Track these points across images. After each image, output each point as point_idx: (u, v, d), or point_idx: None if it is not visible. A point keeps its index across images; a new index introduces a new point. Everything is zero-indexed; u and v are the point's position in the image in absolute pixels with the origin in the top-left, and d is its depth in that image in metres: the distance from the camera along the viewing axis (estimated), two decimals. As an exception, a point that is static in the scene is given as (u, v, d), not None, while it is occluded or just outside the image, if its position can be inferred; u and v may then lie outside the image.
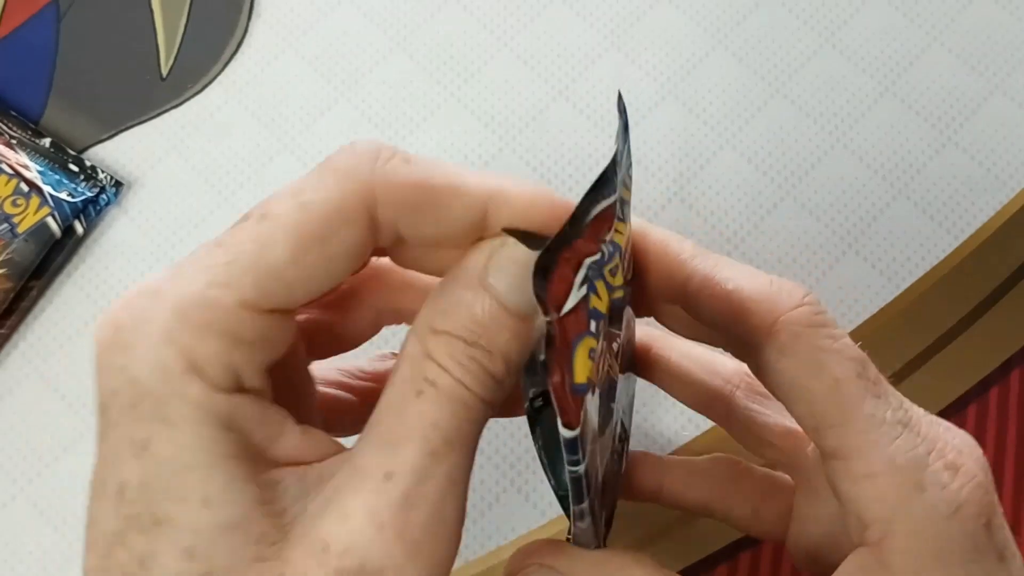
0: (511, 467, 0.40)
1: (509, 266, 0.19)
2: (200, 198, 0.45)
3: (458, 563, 0.39)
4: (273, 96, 0.47)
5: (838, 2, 0.47)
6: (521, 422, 0.41)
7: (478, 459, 0.41)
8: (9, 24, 0.48)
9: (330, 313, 0.24)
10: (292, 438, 0.19)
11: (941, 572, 0.19)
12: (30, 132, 0.45)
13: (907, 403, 0.21)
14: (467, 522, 0.40)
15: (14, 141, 0.45)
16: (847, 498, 0.20)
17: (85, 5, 0.48)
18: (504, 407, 0.21)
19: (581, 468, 0.20)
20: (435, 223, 0.19)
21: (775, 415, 0.27)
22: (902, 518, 0.19)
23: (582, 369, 0.19)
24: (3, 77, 0.47)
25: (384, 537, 0.17)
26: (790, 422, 0.27)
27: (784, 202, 0.44)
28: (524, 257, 0.19)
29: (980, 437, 0.40)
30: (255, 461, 0.18)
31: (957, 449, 0.20)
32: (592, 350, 0.19)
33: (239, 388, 0.18)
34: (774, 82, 0.46)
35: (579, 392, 0.19)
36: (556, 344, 0.18)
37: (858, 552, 0.20)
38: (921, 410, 0.22)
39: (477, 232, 0.20)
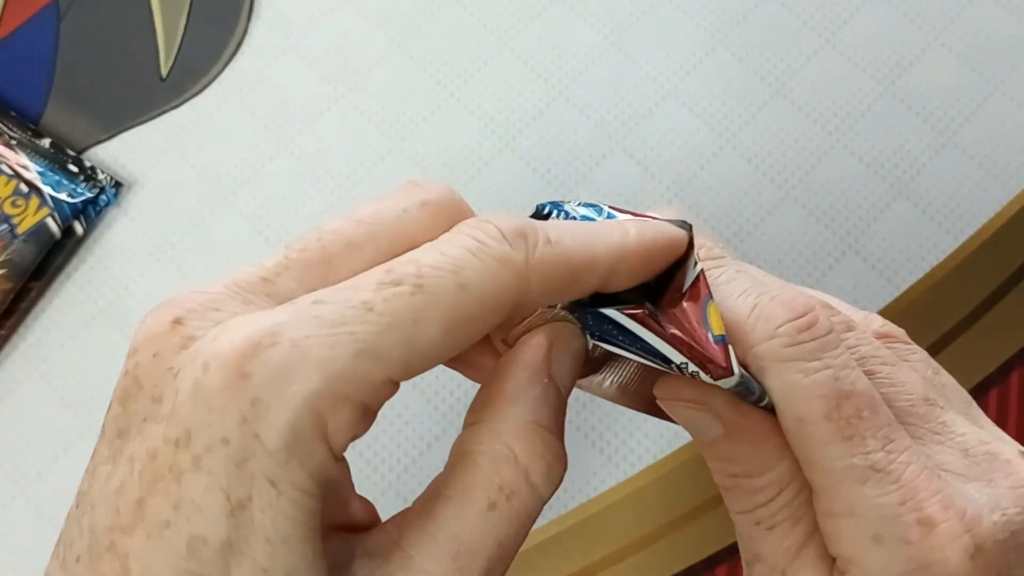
0: (511, 467, 0.40)
1: (567, 356, 0.21)
2: (200, 198, 0.45)
3: (458, 564, 0.39)
4: (273, 96, 0.47)
5: (838, 2, 0.47)
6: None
7: (478, 460, 0.41)
8: (9, 25, 0.48)
9: None
10: (355, 503, 0.20)
11: None
12: (30, 132, 0.45)
13: (901, 445, 0.20)
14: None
15: (14, 141, 0.45)
16: (823, 529, 0.20)
17: (85, 6, 0.48)
18: None
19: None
20: (567, 296, 0.20)
21: None
22: (857, 567, 0.19)
23: (717, 323, 0.19)
24: (3, 77, 0.47)
25: None
26: None
27: (784, 203, 0.44)
28: (578, 353, 0.21)
29: (980, 437, 0.40)
30: (328, 524, 0.18)
31: (948, 503, 0.19)
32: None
33: (343, 457, 0.18)
34: (774, 82, 0.46)
35: (721, 341, 0.19)
36: (686, 306, 0.19)
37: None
38: (952, 420, 0.21)
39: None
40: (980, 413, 0.23)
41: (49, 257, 0.43)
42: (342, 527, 0.19)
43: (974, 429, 0.21)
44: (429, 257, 0.18)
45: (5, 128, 0.45)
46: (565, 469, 0.20)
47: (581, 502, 0.40)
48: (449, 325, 0.18)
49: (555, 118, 0.46)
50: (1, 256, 0.43)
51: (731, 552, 0.39)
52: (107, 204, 0.44)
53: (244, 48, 0.48)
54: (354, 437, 0.18)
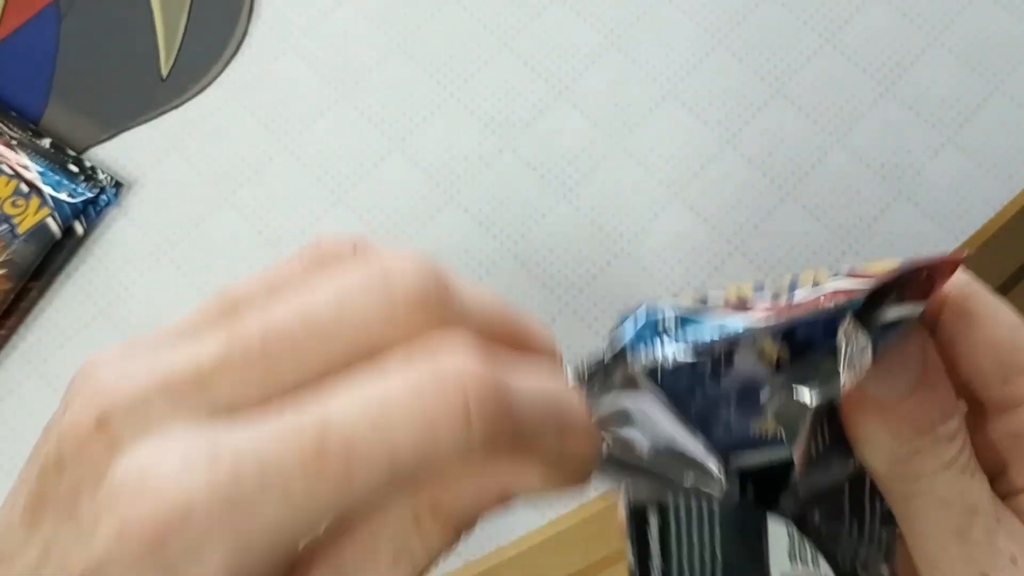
0: (511, 467, 0.40)
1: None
2: (200, 198, 0.45)
3: (457, 564, 0.39)
4: (273, 97, 0.47)
5: (838, 2, 0.47)
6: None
7: (478, 459, 0.41)
8: (9, 25, 0.48)
9: None
10: None
11: None
12: (30, 133, 0.45)
13: None
14: (467, 522, 0.40)
15: (14, 142, 0.45)
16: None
17: (85, 6, 0.48)
18: None
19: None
20: None
21: None
22: (939, 564, 0.19)
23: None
24: (3, 78, 0.47)
25: None
26: None
27: (784, 203, 0.44)
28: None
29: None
30: None
31: None
32: None
33: None
34: (774, 82, 0.46)
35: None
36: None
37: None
38: None
39: None
40: None
41: (49, 257, 0.43)
42: None
43: None
44: (363, 433, 0.16)
45: (5, 128, 0.45)
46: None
47: (581, 502, 0.40)
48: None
49: (555, 118, 0.46)
50: (1, 256, 0.43)
51: (731, 552, 0.39)
52: (107, 204, 0.44)
53: (244, 48, 0.48)
54: None
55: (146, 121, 0.47)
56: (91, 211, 0.44)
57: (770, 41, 0.47)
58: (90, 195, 0.44)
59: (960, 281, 0.21)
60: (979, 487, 0.20)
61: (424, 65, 0.47)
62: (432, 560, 0.18)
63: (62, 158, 0.45)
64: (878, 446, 0.21)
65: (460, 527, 0.18)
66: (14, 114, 0.46)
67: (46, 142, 0.45)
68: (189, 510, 0.15)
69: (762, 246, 0.43)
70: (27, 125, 0.46)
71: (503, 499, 0.18)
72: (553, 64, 0.47)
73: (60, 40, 0.48)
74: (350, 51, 0.47)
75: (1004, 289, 0.42)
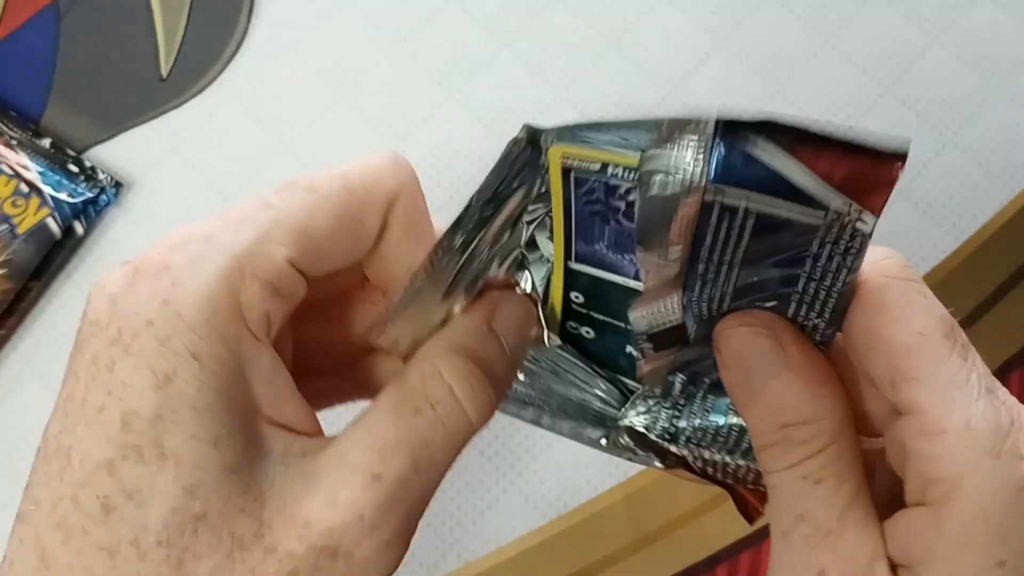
0: (511, 468, 0.40)
1: (513, 320, 0.23)
2: (200, 198, 0.45)
3: (458, 564, 0.39)
4: (272, 97, 0.47)
5: (838, 3, 0.47)
6: (522, 425, 0.41)
7: (478, 460, 0.41)
8: (9, 25, 0.48)
9: (327, 321, 0.25)
10: (291, 405, 0.20)
11: (997, 550, 0.18)
12: (30, 133, 0.45)
13: (997, 383, 0.20)
14: (467, 523, 0.40)
15: (14, 142, 0.45)
16: (914, 455, 0.19)
17: (85, 6, 0.48)
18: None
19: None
20: (414, 246, 0.23)
21: None
22: (969, 482, 0.18)
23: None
24: (3, 78, 0.47)
25: (362, 529, 0.19)
26: None
27: (784, 203, 0.44)
28: (523, 316, 0.23)
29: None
30: (254, 413, 0.20)
31: None
32: None
33: (263, 339, 0.20)
34: (774, 83, 0.46)
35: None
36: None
37: (913, 510, 0.19)
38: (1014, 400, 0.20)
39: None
40: None
41: (49, 257, 0.43)
42: (281, 427, 0.20)
43: None
44: (321, 172, 0.21)
45: (5, 128, 0.45)
46: (491, 407, 0.22)
47: (581, 502, 0.40)
48: (336, 218, 0.21)
49: (556, 119, 0.46)
50: (1, 256, 0.43)
51: (732, 552, 0.39)
52: (107, 204, 0.44)
53: (244, 48, 0.48)
54: (269, 318, 0.20)
55: (146, 121, 0.46)
56: (91, 211, 0.44)
57: (770, 42, 0.47)
58: (90, 195, 0.44)
59: (887, 267, 0.20)
60: (820, 495, 0.20)
61: (424, 65, 0.47)
62: None
63: (62, 158, 0.45)
64: (749, 428, 0.21)
65: None
66: (14, 114, 0.46)
67: (46, 142, 0.45)
68: (189, 232, 0.20)
69: (762, 246, 0.43)
70: (27, 125, 0.46)
71: None
72: (554, 64, 0.47)
73: (60, 40, 0.48)
74: (350, 51, 0.47)
75: (1004, 289, 0.42)
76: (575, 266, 0.24)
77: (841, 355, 0.21)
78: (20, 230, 0.43)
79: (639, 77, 0.46)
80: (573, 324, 0.25)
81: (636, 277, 0.22)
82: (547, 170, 0.22)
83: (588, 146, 0.21)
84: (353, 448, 0.20)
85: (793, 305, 0.20)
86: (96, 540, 0.18)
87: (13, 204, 0.43)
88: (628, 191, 0.21)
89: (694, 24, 0.47)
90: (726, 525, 0.39)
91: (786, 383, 0.20)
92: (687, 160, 0.18)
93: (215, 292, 0.19)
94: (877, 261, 0.20)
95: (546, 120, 0.49)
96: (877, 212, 0.18)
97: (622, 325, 0.24)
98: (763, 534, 0.39)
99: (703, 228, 0.19)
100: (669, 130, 0.19)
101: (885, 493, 0.21)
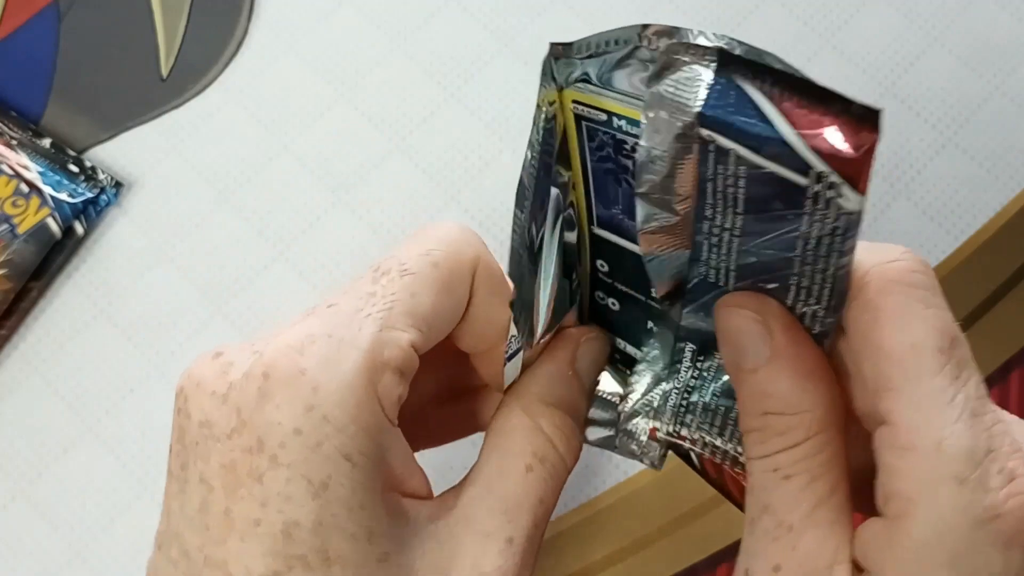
0: (511, 468, 0.40)
1: (591, 361, 0.25)
2: (200, 199, 0.45)
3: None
4: (273, 97, 0.47)
5: (838, 3, 0.47)
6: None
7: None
8: (9, 25, 0.48)
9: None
10: (416, 473, 0.21)
11: (950, 573, 0.17)
12: (30, 133, 0.45)
13: (992, 404, 0.19)
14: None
15: (14, 142, 0.45)
16: (882, 466, 0.19)
17: (85, 6, 0.48)
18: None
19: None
20: (497, 307, 0.23)
21: None
22: (927, 503, 0.18)
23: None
24: (3, 78, 0.47)
25: None
26: None
27: (784, 203, 0.44)
28: (600, 355, 0.25)
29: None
30: (391, 492, 0.21)
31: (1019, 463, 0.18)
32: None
33: (397, 420, 0.21)
34: (774, 83, 0.46)
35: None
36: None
37: (876, 520, 0.19)
38: (1014, 418, 0.20)
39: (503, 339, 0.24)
40: None
41: (49, 257, 0.43)
42: (408, 496, 0.21)
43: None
44: (403, 250, 0.22)
45: (5, 128, 0.45)
46: (580, 446, 0.24)
47: (581, 502, 0.40)
48: (435, 294, 0.21)
49: (555, 118, 0.46)
50: (1, 256, 0.43)
51: (732, 552, 0.39)
52: (108, 204, 0.44)
53: (244, 48, 0.48)
54: (400, 400, 0.20)
55: (146, 121, 0.47)
56: (91, 211, 0.44)
57: (770, 43, 0.47)
58: (90, 195, 0.44)
59: (895, 270, 0.19)
60: (786, 490, 0.20)
61: (424, 65, 0.47)
62: None
63: (62, 158, 0.45)
64: (739, 404, 0.22)
65: None
66: (14, 114, 0.46)
67: (46, 142, 0.45)
68: (309, 332, 0.21)
69: (762, 246, 0.43)
70: (27, 125, 0.46)
71: None
72: (553, 64, 0.47)
73: (60, 40, 0.48)
74: (350, 51, 0.47)
75: (1004, 290, 0.42)
76: (598, 231, 0.24)
77: (841, 351, 0.21)
78: (20, 230, 0.43)
79: (639, 77, 0.46)
80: (600, 295, 0.26)
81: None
82: (554, 118, 0.22)
83: (592, 92, 0.21)
84: (479, 512, 0.21)
85: (792, 290, 0.20)
86: None
87: (13, 204, 0.43)
88: (635, 147, 0.20)
89: (695, 24, 0.47)
90: (726, 525, 0.39)
91: (772, 371, 0.20)
92: (688, 100, 0.18)
93: (357, 390, 0.19)
94: (887, 262, 0.19)
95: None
96: (859, 188, 0.17)
97: (642, 298, 0.24)
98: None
99: (703, 178, 0.19)
100: (664, 63, 0.19)
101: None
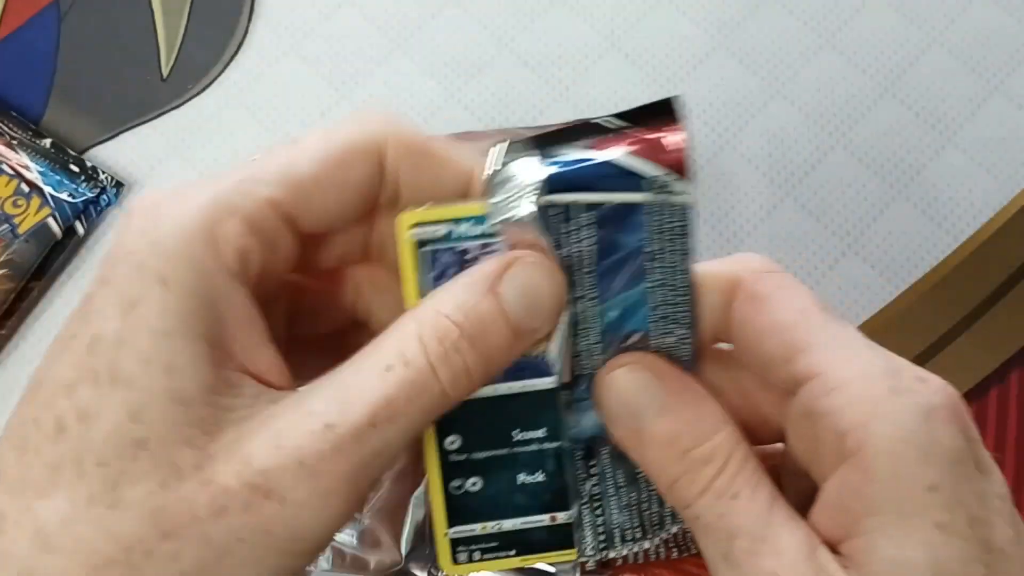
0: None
1: (522, 285, 0.21)
2: (201, 199, 0.45)
3: (458, 563, 0.39)
4: (273, 97, 0.47)
5: (838, 3, 0.47)
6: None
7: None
8: (10, 25, 0.48)
9: (319, 281, 0.25)
10: (266, 355, 0.20)
11: (927, 472, 0.18)
12: (31, 133, 0.45)
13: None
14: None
15: (15, 142, 0.45)
16: (822, 413, 0.20)
17: (86, 6, 0.49)
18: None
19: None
20: (431, 178, 0.22)
21: None
22: (880, 420, 0.19)
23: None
24: (4, 78, 0.47)
25: (300, 474, 0.19)
26: None
27: (784, 203, 0.44)
28: (538, 283, 0.21)
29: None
30: (224, 356, 0.20)
31: (922, 371, 0.20)
32: None
33: (239, 278, 0.20)
34: (774, 83, 0.46)
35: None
36: None
37: (837, 474, 0.20)
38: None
39: (463, 195, 0.22)
40: None
41: (50, 257, 0.43)
42: (255, 376, 0.20)
43: None
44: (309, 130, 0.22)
45: (6, 128, 0.45)
46: (470, 378, 0.20)
47: (581, 502, 0.40)
48: (319, 164, 0.21)
49: (556, 119, 0.46)
50: (2, 256, 0.43)
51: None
52: (108, 204, 0.44)
53: (245, 48, 0.48)
54: (246, 257, 0.20)
55: (147, 121, 0.47)
56: (92, 211, 0.44)
57: (770, 42, 0.47)
58: (91, 195, 0.44)
59: (754, 265, 0.22)
60: (741, 508, 0.20)
61: (424, 66, 0.47)
62: None
63: (63, 158, 0.45)
64: (651, 474, 0.21)
65: None
66: (15, 114, 0.46)
67: (47, 142, 0.45)
68: (184, 183, 0.21)
69: (761, 246, 0.43)
70: (28, 125, 0.46)
71: None
72: (553, 65, 0.47)
73: (60, 40, 0.48)
74: (350, 51, 0.47)
75: (1004, 289, 0.42)
76: None
77: (721, 367, 0.22)
78: (21, 230, 0.43)
79: (639, 77, 0.46)
80: (456, 484, 0.23)
81: (547, 372, 0.22)
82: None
83: (430, 208, 0.22)
84: (315, 397, 0.20)
85: (654, 326, 0.21)
86: (44, 458, 0.18)
87: (14, 204, 0.44)
88: (484, 247, 0.21)
89: (694, 24, 0.47)
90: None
91: (675, 411, 0.21)
92: (530, 182, 0.20)
93: (188, 224, 0.19)
94: (748, 263, 0.22)
95: (546, 120, 0.49)
96: (684, 175, 0.20)
97: (505, 451, 0.23)
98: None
99: (553, 234, 0.20)
100: (491, 181, 0.21)
101: (794, 496, 0.22)
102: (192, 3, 0.48)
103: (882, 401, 0.19)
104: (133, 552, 0.18)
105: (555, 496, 0.23)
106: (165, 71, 0.48)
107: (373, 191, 0.22)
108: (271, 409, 0.20)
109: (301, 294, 0.24)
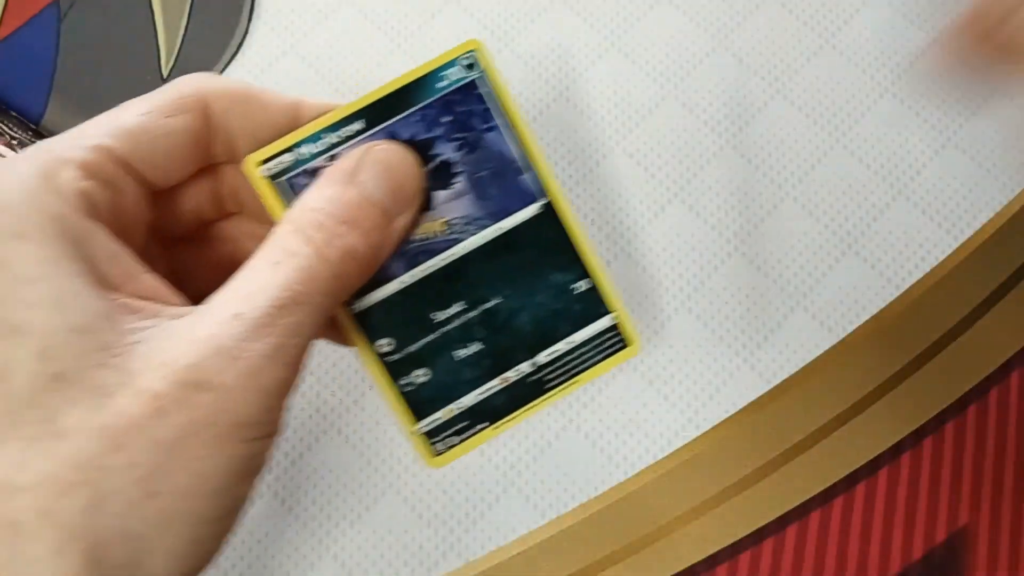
0: (511, 467, 0.40)
1: (378, 169, 0.23)
2: (201, 199, 0.45)
3: (458, 563, 0.39)
4: (274, 97, 0.47)
5: (838, 3, 0.47)
6: (521, 425, 0.41)
7: (478, 460, 0.41)
8: (10, 25, 0.48)
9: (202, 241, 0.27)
10: (147, 281, 0.22)
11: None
12: (31, 133, 0.45)
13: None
14: (467, 522, 0.40)
15: (15, 142, 0.45)
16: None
17: (86, 6, 0.49)
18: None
19: None
20: (260, 121, 0.24)
21: None
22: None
23: None
24: (4, 78, 0.47)
25: (225, 358, 0.20)
26: None
27: (784, 203, 0.44)
28: (395, 159, 0.23)
29: (981, 438, 0.40)
30: (107, 286, 0.21)
31: None
32: None
33: (92, 218, 0.21)
34: (774, 82, 0.46)
35: None
36: None
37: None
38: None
39: (290, 128, 0.24)
40: None
41: (50, 257, 0.43)
42: (148, 299, 0.21)
43: None
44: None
45: (6, 128, 0.45)
46: (356, 254, 0.22)
47: (581, 501, 0.40)
48: (144, 113, 0.23)
49: (554, 119, 0.46)
50: (2, 256, 0.43)
51: (731, 552, 0.39)
52: (108, 204, 0.44)
53: (245, 48, 0.48)
54: (91, 198, 0.21)
55: (147, 121, 0.47)
56: (92, 211, 0.44)
57: (770, 42, 0.47)
58: (91, 195, 0.44)
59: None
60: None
61: (424, 65, 0.47)
62: None
63: (63, 158, 0.45)
64: None
65: None
66: (15, 114, 0.46)
67: (47, 142, 0.45)
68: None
69: (761, 246, 0.43)
70: (28, 125, 0.46)
71: None
72: (553, 65, 0.47)
73: (60, 40, 0.48)
74: (350, 51, 0.47)
75: (1004, 289, 0.42)
76: (358, 306, 0.24)
77: None
78: (21, 230, 0.43)
79: (639, 77, 0.46)
80: (404, 382, 0.24)
81: (441, 249, 0.24)
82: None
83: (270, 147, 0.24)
84: (216, 301, 0.21)
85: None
86: None
87: (14, 204, 0.44)
88: (333, 159, 0.24)
89: (694, 24, 0.47)
90: (724, 526, 0.39)
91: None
92: None
93: (28, 178, 0.21)
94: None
95: (546, 119, 0.49)
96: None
97: (434, 335, 0.24)
98: (763, 534, 0.39)
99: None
100: None
101: None
102: (193, 3, 0.48)
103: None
104: (90, 469, 0.19)
105: (496, 359, 0.24)
106: (165, 71, 0.48)
107: (203, 140, 0.24)
108: (177, 321, 0.21)
109: (182, 248, 0.26)
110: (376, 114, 0.23)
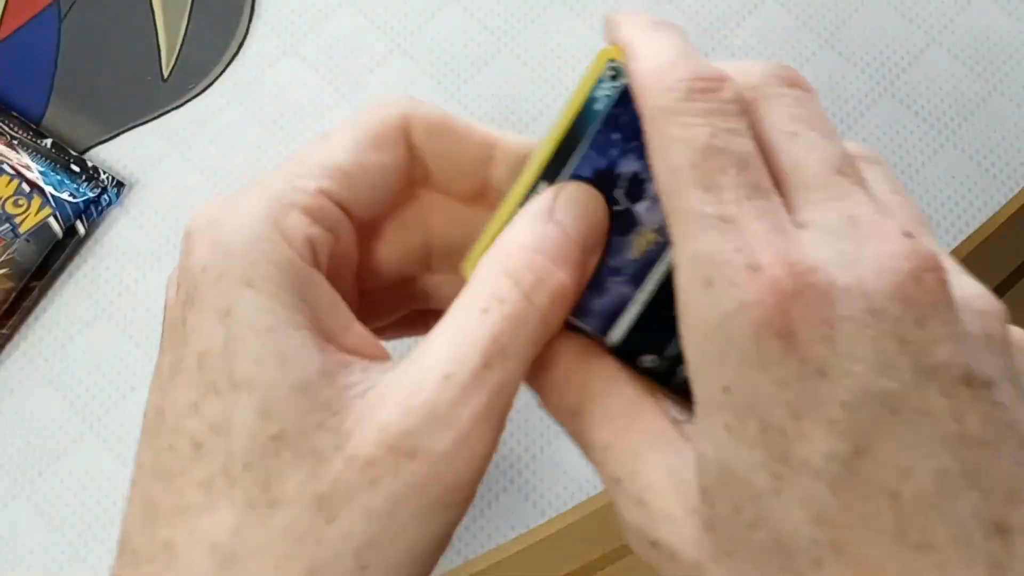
0: (511, 466, 0.41)
1: (573, 203, 0.22)
2: (201, 198, 0.45)
3: (458, 561, 0.39)
4: (274, 97, 0.47)
5: (837, 3, 0.47)
6: (521, 423, 0.41)
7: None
8: (10, 25, 0.48)
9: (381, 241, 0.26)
10: (359, 332, 0.21)
11: (723, 372, 0.18)
12: (31, 133, 0.45)
13: (760, 205, 0.19)
14: (466, 521, 0.40)
15: (16, 142, 0.45)
16: None
17: (86, 6, 0.49)
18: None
19: None
20: (456, 151, 0.23)
21: None
22: (686, 313, 0.19)
23: None
24: (4, 78, 0.47)
25: (437, 425, 0.19)
26: None
27: (783, 202, 0.44)
28: (585, 196, 0.22)
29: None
30: (325, 337, 0.20)
31: (782, 254, 0.18)
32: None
33: (315, 267, 0.21)
34: (774, 82, 0.46)
35: None
36: None
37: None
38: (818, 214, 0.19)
39: (486, 166, 0.24)
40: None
41: (51, 257, 0.43)
42: (355, 354, 0.21)
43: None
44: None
45: (7, 128, 0.45)
46: (564, 294, 0.21)
47: (580, 500, 0.40)
48: (354, 151, 0.22)
49: (556, 118, 0.46)
50: (3, 256, 0.43)
51: (731, 551, 0.39)
52: (109, 204, 0.45)
53: (245, 49, 0.48)
54: (314, 245, 0.21)
55: (148, 121, 0.47)
56: (93, 211, 0.44)
57: (769, 42, 0.47)
58: (92, 195, 0.44)
59: (648, 104, 0.21)
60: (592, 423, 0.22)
61: (424, 66, 0.47)
62: None
63: (64, 158, 0.45)
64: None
65: None
66: (15, 114, 0.46)
67: (47, 142, 0.45)
68: (236, 193, 0.22)
69: (761, 246, 0.43)
70: (28, 125, 0.46)
71: None
72: (553, 65, 0.47)
73: (61, 40, 0.48)
74: (351, 52, 0.47)
75: (1004, 289, 0.42)
76: (609, 339, 0.23)
77: None
78: (22, 230, 0.43)
79: (639, 77, 0.46)
80: (677, 380, 0.23)
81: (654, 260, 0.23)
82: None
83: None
84: (424, 356, 0.20)
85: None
86: (193, 478, 0.19)
87: (15, 204, 0.44)
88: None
89: (694, 24, 0.47)
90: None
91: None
92: None
93: (256, 224, 0.20)
94: (662, 93, 0.20)
95: (544, 120, 0.49)
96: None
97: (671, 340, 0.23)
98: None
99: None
100: None
101: None
102: (193, 3, 0.49)
103: (692, 291, 0.19)
104: (306, 543, 0.19)
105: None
106: (166, 71, 0.48)
107: (404, 165, 0.23)
108: (386, 378, 0.20)
109: (369, 278, 0.26)
110: (555, 167, 0.23)
